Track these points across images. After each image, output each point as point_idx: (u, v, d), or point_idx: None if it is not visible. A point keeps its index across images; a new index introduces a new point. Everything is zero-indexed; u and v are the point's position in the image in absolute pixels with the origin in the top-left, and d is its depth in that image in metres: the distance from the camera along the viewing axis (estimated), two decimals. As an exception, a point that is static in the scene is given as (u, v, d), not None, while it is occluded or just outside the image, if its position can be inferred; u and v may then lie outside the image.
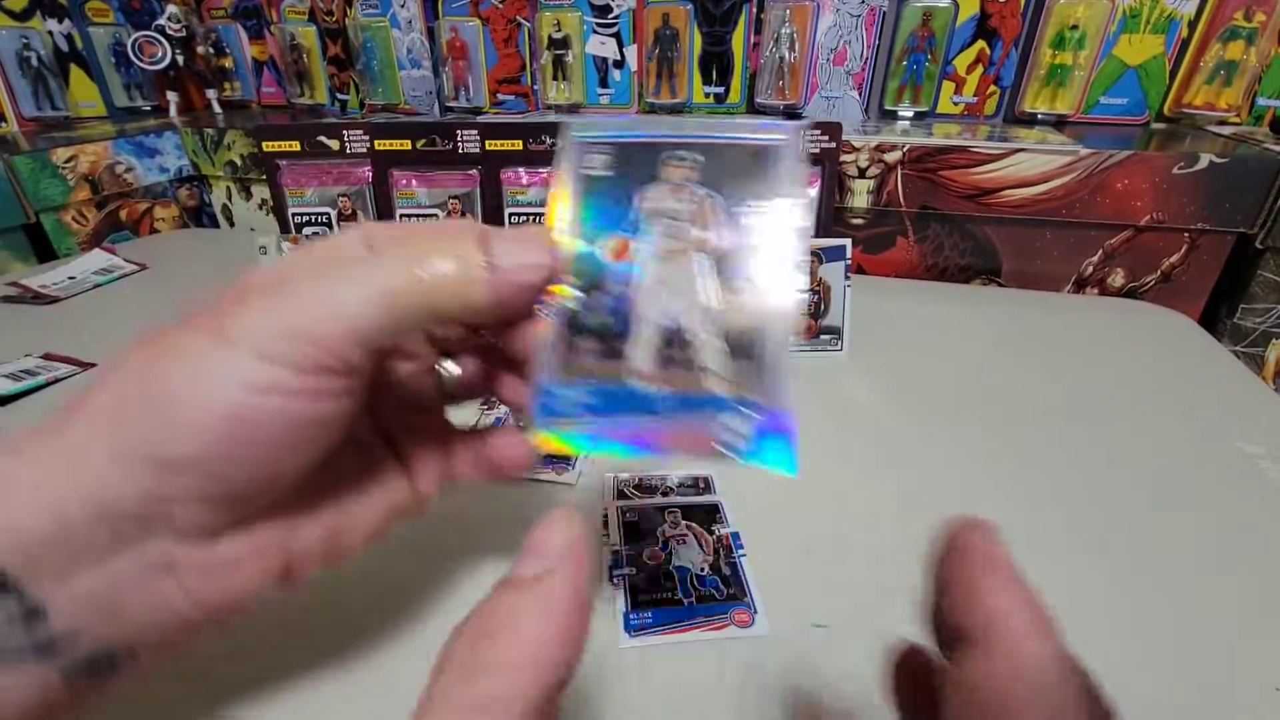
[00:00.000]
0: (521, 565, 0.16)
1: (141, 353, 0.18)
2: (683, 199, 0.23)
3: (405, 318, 0.19)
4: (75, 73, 0.99)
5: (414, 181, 0.52)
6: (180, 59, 0.99)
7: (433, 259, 0.19)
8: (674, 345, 0.22)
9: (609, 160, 0.24)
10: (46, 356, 0.51)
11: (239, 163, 0.87)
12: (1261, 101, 0.72)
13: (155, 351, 0.18)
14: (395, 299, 0.19)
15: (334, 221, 0.53)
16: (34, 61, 0.94)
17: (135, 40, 0.96)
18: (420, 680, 0.15)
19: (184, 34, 0.98)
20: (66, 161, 0.77)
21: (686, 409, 0.21)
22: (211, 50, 1.06)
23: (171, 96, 1.02)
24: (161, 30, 0.96)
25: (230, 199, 0.93)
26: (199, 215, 0.95)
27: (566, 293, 0.22)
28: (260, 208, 0.91)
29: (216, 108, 1.07)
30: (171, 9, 0.97)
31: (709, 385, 0.21)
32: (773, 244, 0.22)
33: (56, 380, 0.48)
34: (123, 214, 0.85)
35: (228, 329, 0.18)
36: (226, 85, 1.10)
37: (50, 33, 0.96)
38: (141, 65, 0.97)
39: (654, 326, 0.22)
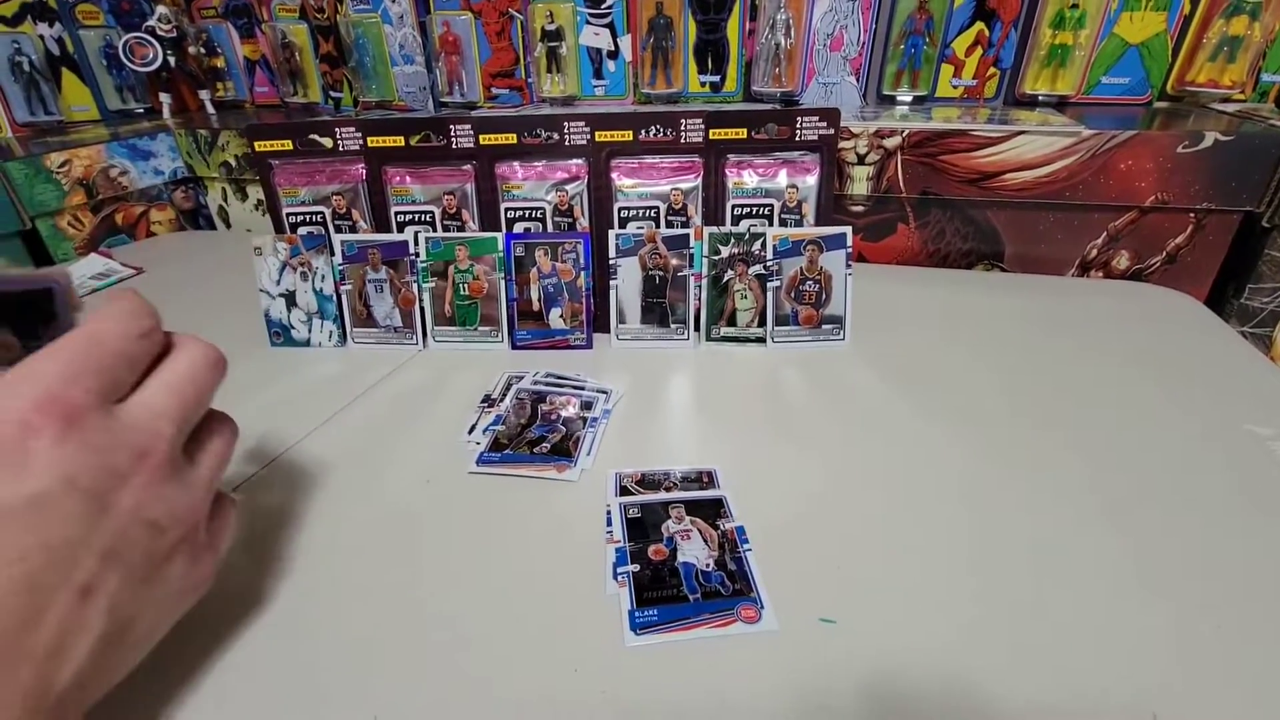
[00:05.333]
0: None
1: None
2: None
3: None
4: (67, 76, 0.99)
5: (408, 178, 0.52)
6: (172, 60, 0.98)
7: None
8: None
9: None
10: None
11: (234, 163, 0.87)
12: (1267, 77, 0.71)
13: None
14: None
15: (328, 220, 0.52)
16: (26, 66, 0.93)
17: (126, 42, 0.95)
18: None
19: (175, 34, 0.97)
20: (60, 166, 0.76)
21: None
22: (203, 50, 1.05)
23: (164, 98, 1.02)
24: (152, 31, 0.96)
25: (226, 200, 0.92)
26: (195, 217, 0.94)
27: None
28: (256, 208, 0.91)
29: (210, 108, 1.06)
30: (161, 10, 0.96)
31: None
32: None
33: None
34: (119, 218, 0.85)
35: None
36: (219, 85, 1.09)
37: (41, 37, 0.95)
38: (133, 67, 0.97)
39: None
